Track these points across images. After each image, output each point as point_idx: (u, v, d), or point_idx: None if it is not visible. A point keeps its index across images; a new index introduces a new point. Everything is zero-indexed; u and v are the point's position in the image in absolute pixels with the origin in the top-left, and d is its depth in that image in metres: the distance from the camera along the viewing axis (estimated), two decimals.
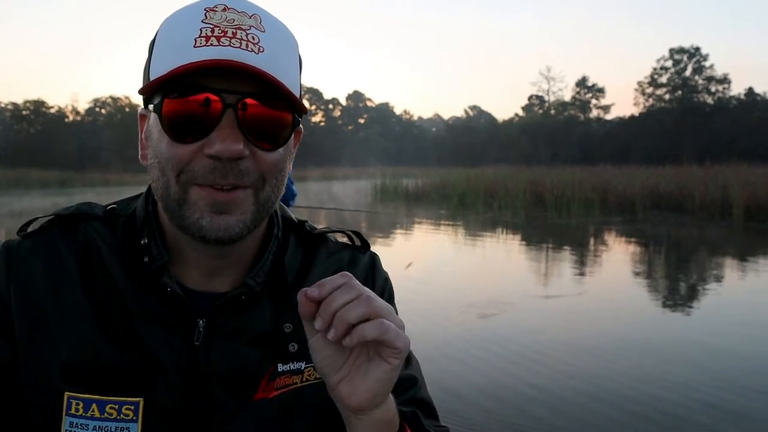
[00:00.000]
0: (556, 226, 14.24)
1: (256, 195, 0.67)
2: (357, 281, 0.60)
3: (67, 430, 0.69)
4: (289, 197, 4.00)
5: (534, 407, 3.59)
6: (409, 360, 0.83)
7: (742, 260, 9.67)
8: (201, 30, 0.63)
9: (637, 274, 8.68)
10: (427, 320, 5.56)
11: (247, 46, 0.63)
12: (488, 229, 13.84)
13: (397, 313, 0.80)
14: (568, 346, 4.94)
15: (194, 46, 0.62)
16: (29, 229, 0.75)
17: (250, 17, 0.65)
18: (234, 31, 0.63)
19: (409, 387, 0.80)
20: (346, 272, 0.60)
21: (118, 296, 0.71)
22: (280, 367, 0.74)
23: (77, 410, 0.68)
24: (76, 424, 0.68)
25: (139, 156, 0.71)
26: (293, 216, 0.83)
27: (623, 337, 5.17)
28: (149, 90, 0.65)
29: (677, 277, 8.62)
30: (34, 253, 0.72)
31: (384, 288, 0.86)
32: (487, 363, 4.44)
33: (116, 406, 0.69)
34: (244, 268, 0.75)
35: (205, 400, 0.70)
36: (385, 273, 0.87)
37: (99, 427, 0.68)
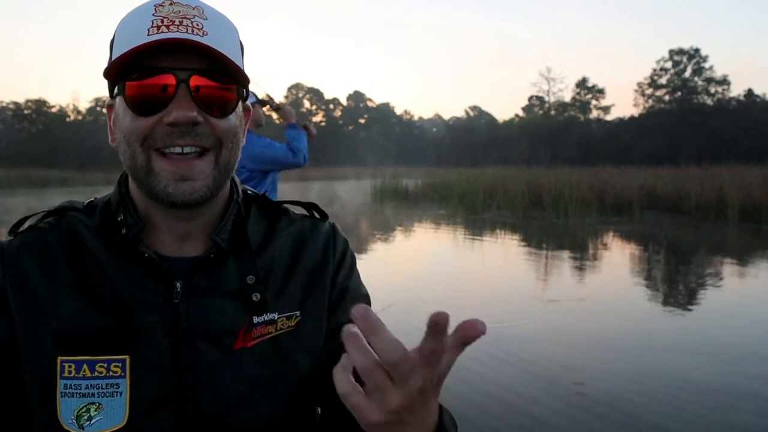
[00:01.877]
0: (553, 226, 14.38)
1: (216, 158, 0.76)
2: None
3: (62, 391, 0.75)
4: (301, 160, 3.92)
5: (533, 409, 3.70)
6: None
7: (734, 260, 9.80)
8: (152, 21, 0.73)
9: (632, 274, 8.80)
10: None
11: (192, 31, 0.73)
12: (486, 229, 13.96)
13: (358, 274, 0.94)
14: (568, 347, 5.05)
15: (147, 35, 0.72)
16: (20, 229, 0.84)
17: (193, 9, 0.76)
18: (180, 20, 0.73)
19: None
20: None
21: (101, 270, 0.79)
22: (255, 319, 0.81)
23: (70, 372, 0.75)
24: (70, 385, 0.75)
25: (109, 140, 0.81)
26: (254, 192, 0.93)
27: (625, 336, 5.28)
28: (112, 76, 0.76)
29: (670, 277, 8.75)
30: (25, 248, 0.81)
31: (345, 250, 0.93)
32: (487, 367, 4.55)
33: (105, 365, 0.76)
34: (211, 232, 0.83)
35: (188, 353, 0.77)
36: (345, 237, 0.95)
37: (91, 384, 0.75)
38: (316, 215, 0.95)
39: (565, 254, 10.55)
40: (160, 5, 0.75)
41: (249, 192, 0.91)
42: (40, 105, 61.48)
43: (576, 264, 9.35)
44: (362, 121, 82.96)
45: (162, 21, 0.73)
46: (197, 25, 0.74)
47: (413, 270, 8.63)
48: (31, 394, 0.77)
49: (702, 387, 3.95)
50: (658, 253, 10.81)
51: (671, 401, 3.70)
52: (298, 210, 0.95)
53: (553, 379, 4.11)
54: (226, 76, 0.75)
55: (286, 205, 0.93)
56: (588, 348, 4.85)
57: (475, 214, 16.73)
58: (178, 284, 0.79)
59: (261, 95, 3.94)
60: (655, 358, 4.58)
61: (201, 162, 0.75)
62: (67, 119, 63.23)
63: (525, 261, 9.76)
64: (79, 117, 64.41)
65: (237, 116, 0.79)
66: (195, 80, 0.73)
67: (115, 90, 0.76)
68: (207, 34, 0.74)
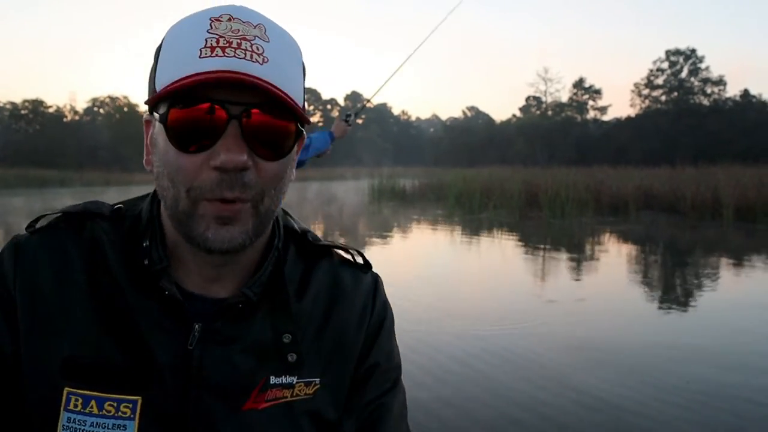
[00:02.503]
0: (550, 226, 14.47)
1: (256, 208, 0.68)
2: None
3: (64, 425, 0.69)
4: (322, 147, 3.89)
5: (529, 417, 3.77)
6: (395, 392, 0.84)
7: (728, 259, 9.90)
8: (206, 40, 0.64)
9: (627, 274, 8.88)
10: (415, 325, 5.74)
11: (251, 56, 0.64)
12: (482, 229, 14.05)
13: (394, 338, 0.86)
14: (564, 348, 5.12)
15: (199, 57, 0.63)
16: (38, 226, 0.77)
17: (255, 27, 0.66)
18: (239, 41, 0.64)
19: (390, 418, 0.81)
20: None
21: (120, 295, 0.72)
22: (273, 380, 0.74)
23: (76, 405, 0.69)
24: (74, 419, 0.69)
25: (144, 161, 0.73)
26: (296, 225, 0.84)
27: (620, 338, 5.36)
28: (155, 100, 0.67)
29: (664, 277, 8.83)
30: (42, 250, 0.74)
31: (383, 314, 0.85)
32: (479, 372, 4.62)
33: (114, 404, 0.70)
34: (244, 276, 0.76)
35: (196, 405, 0.71)
36: (385, 298, 0.86)
37: (96, 423, 0.69)
38: (359, 261, 0.86)
39: (560, 254, 10.64)
40: (217, 19, 0.66)
41: (290, 227, 0.83)
42: (37, 105, 61.36)
43: (571, 264, 9.44)
44: (360, 121, 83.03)
45: (217, 41, 0.64)
46: (257, 49, 0.65)
47: (410, 270, 8.70)
48: (31, 416, 0.71)
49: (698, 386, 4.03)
50: (653, 253, 10.90)
51: (664, 404, 3.77)
52: (341, 252, 0.86)
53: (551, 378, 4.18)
54: (283, 111, 0.66)
55: (328, 248, 0.84)
56: (582, 350, 4.92)
57: (472, 214, 16.82)
58: (196, 327, 0.72)
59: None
60: (654, 357, 4.65)
61: (242, 206, 0.67)
62: (65, 119, 63.13)
63: (520, 261, 9.84)
64: (77, 117, 64.32)
65: (292, 157, 0.71)
66: (249, 117, 0.64)
67: (156, 113, 0.67)
68: (267, 61, 0.64)
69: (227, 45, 0.64)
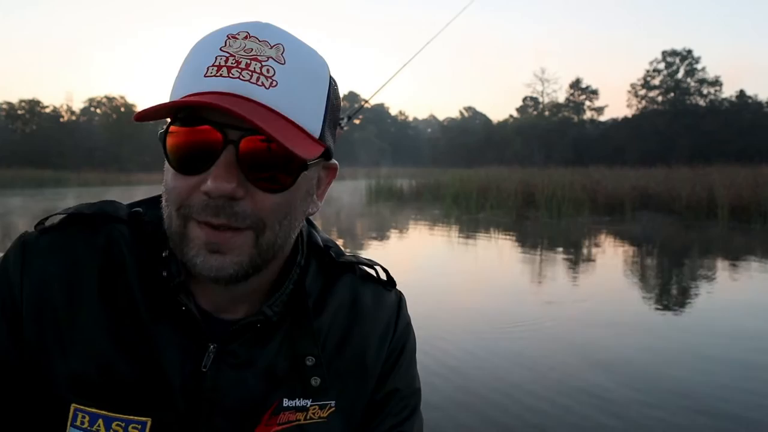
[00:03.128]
0: (546, 225, 14.54)
1: (257, 239, 0.64)
2: None
3: None
4: None
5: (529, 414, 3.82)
6: (414, 419, 0.81)
7: (722, 259, 9.96)
8: (216, 58, 0.61)
9: (621, 273, 8.93)
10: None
11: (257, 79, 0.60)
12: (478, 229, 14.10)
13: (414, 362, 0.83)
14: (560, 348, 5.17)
15: (204, 75, 0.61)
16: (47, 224, 0.72)
17: (272, 47, 0.62)
18: (248, 61, 0.61)
19: None
20: None
21: (134, 307, 0.68)
22: (286, 402, 0.71)
23: (83, 423, 0.66)
24: None
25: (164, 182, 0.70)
26: (320, 238, 0.80)
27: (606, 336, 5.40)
28: (153, 117, 0.63)
29: (658, 278, 8.88)
30: (51, 252, 0.69)
31: (404, 337, 0.81)
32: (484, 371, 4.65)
33: (123, 424, 0.66)
34: (262, 295, 0.72)
35: (206, 428, 0.68)
36: (409, 319, 0.83)
37: None
38: (383, 277, 0.82)
39: (555, 253, 10.69)
40: (233, 36, 0.62)
41: (314, 241, 0.79)
42: (33, 105, 61.20)
43: (565, 265, 9.49)
44: (357, 121, 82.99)
45: (226, 60, 0.61)
46: (267, 71, 0.61)
47: (408, 271, 8.75)
48: (36, 427, 0.68)
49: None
50: (648, 253, 10.96)
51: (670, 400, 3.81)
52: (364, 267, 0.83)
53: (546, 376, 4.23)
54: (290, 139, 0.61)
55: (351, 263, 0.80)
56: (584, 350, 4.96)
57: (469, 214, 16.87)
58: (211, 347, 0.69)
59: None
60: (653, 358, 4.70)
61: (237, 237, 0.63)
62: (61, 119, 62.97)
63: (515, 260, 9.89)
64: (73, 117, 64.16)
65: (300, 188, 0.66)
66: (246, 143, 0.60)
67: (162, 130, 0.65)
68: (276, 85, 0.61)
69: (235, 65, 0.60)
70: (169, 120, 0.63)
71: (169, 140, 0.62)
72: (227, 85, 0.60)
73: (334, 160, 0.72)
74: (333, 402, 0.73)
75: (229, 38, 0.62)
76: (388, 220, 16.02)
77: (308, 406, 0.72)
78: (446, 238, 12.92)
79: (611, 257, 10.22)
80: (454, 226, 14.82)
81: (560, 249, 11.22)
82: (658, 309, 6.42)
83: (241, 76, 0.60)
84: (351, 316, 0.76)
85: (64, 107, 64.63)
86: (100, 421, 0.66)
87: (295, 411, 0.71)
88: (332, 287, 0.77)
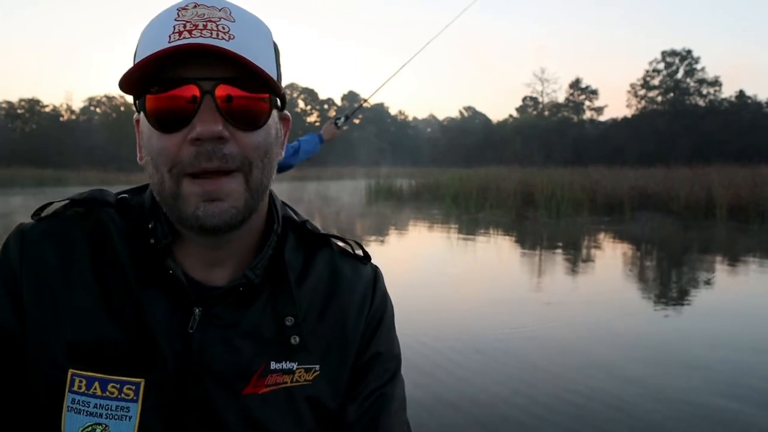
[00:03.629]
0: (545, 225, 14.58)
1: (247, 180, 0.70)
2: None
3: (69, 406, 0.71)
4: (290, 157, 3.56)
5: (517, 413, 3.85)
6: (395, 382, 0.85)
7: (718, 259, 10.00)
8: (174, 26, 0.67)
9: (618, 273, 8.98)
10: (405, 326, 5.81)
11: (217, 35, 0.67)
12: (477, 228, 14.14)
13: (394, 330, 0.87)
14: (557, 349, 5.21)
15: (168, 42, 0.66)
16: (43, 214, 0.78)
17: (220, 10, 0.69)
18: (204, 23, 0.67)
19: (390, 408, 0.83)
20: None
21: (124, 279, 0.73)
22: (273, 365, 0.75)
23: (80, 387, 0.71)
24: (78, 401, 0.71)
25: (137, 158, 0.75)
26: (296, 215, 0.85)
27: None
28: (135, 90, 0.69)
29: (655, 278, 8.93)
30: (47, 237, 0.75)
31: (382, 305, 0.86)
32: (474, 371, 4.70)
33: (117, 385, 0.71)
34: (243, 262, 0.77)
35: (195, 389, 0.72)
36: (385, 289, 0.88)
37: (99, 404, 0.71)
38: (359, 253, 0.87)
39: (553, 253, 10.73)
40: (183, 9, 0.69)
41: (288, 216, 0.84)
42: (33, 104, 61.23)
43: (563, 263, 9.53)
44: (357, 121, 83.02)
45: (184, 26, 0.67)
46: (223, 28, 0.68)
47: (405, 271, 8.78)
48: (36, 398, 0.72)
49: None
50: (645, 252, 11.01)
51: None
52: (341, 243, 0.88)
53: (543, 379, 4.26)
54: (256, 84, 0.69)
55: (327, 237, 0.86)
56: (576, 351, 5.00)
57: (468, 214, 16.91)
58: (197, 311, 0.73)
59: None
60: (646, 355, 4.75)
61: (229, 181, 0.69)
62: (61, 119, 62.99)
63: (513, 260, 9.93)
64: (73, 117, 64.18)
65: (270, 129, 0.72)
66: (221, 90, 0.67)
67: (137, 104, 0.70)
68: (233, 38, 0.67)
69: (194, 28, 0.67)
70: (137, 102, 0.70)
71: (149, 105, 0.68)
72: (187, 43, 0.65)
73: (287, 111, 0.77)
74: (318, 366, 0.77)
75: (179, 10, 0.69)
76: (387, 220, 16.06)
77: (294, 369, 0.76)
78: (444, 237, 12.96)
79: (608, 257, 10.26)
80: (453, 225, 14.87)
81: (558, 249, 11.26)
82: (656, 309, 6.46)
83: (202, 35, 0.66)
84: (330, 287, 0.81)
85: (64, 106, 64.71)
86: (96, 383, 0.71)
87: (282, 373, 0.75)
88: (312, 260, 0.81)
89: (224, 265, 0.76)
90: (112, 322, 0.72)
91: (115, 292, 0.73)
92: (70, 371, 0.71)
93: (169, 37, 0.66)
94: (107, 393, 0.71)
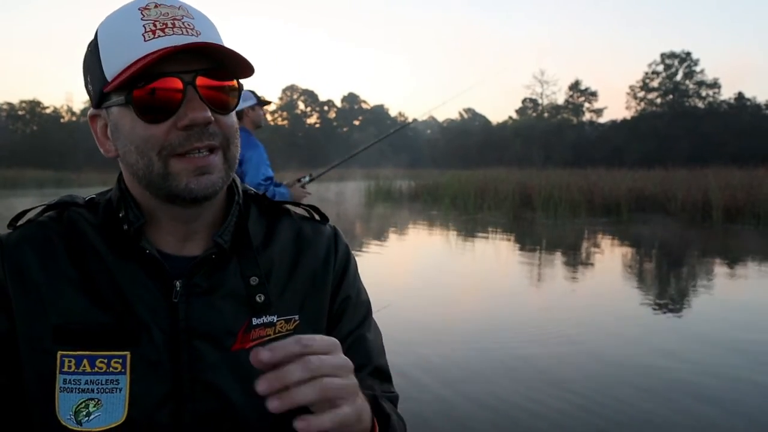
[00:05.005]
0: (542, 226, 14.67)
1: (225, 154, 0.78)
2: (312, 344, 0.61)
3: (61, 386, 0.75)
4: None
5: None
6: (368, 326, 0.93)
7: (712, 260, 10.09)
8: (144, 26, 0.73)
9: (611, 274, 9.06)
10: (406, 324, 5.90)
11: (188, 32, 0.74)
12: (475, 229, 14.22)
13: (360, 279, 0.95)
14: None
15: (144, 41, 0.72)
16: (19, 222, 0.85)
17: (178, 8, 0.76)
18: (172, 22, 0.74)
19: (367, 347, 0.90)
20: (301, 338, 0.61)
21: (102, 265, 0.79)
22: (255, 321, 0.81)
23: (69, 367, 0.76)
24: (69, 380, 0.75)
25: (103, 152, 0.82)
26: (253, 190, 0.93)
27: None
28: (113, 87, 0.74)
29: (651, 279, 9.01)
30: (25, 241, 0.81)
31: (347, 256, 0.94)
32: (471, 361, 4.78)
33: (105, 360, 0.76)
34: (212, 232, 0.83)
35: (187, 352, 0.78)
36: (346, 242, 0.96)
37: (90, 380, 0.75)
38: (317, 217, 0.95)
39: (549, 253, 10.83)
40: (145, 8, 0.75)
41: (248, 191, 0.92)
42: (34, 106, 61.39)
43: (556, 263, 9.62)
44: (357, 122, 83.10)
45: (154, 24, 0.73)
46: (188, 25, 0.75)
47: (404, 271, 8.88)
48: (30, 389, 0.77)
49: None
50: (640, 253, 11.09)
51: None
52: (299, 211, 0.96)
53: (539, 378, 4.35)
54: (224, 73, 0.77)
55: (286, 206, 0.94)
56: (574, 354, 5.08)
57: (467, 215, 17.01)
58: (177, 283, 0.79)
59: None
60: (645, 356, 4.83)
61: (214, 157, 0.77)
62: (62, 120, 63.11)
63: (506, 259, 10.02)
64: (74, 118, 64.28)
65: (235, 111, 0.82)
66: (200, 81, 0.74)
67: (112, 99, 0.76)
68: (200, 34, 0.75)
69: (164, 26, 0.73)
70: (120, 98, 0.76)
71: (137, 100, 0.73)
72: (170, 42, 0.72)
73: (249, 104, 0.92)
74: (297, 316, 0.84)
75: (142, 9, 0.75)
76: (386, 222, 16.16)
77: (275, 321, 0.82)
78: (442, 237, 13.06)
79: (603, 258, 10.36)
80: (450, 226, 14.97)
81: (553, 249, 11.34)
82: (654, 309, 6.55)
83: (175, 33, 0.73)
84: (296, 247, 0.89)
85: (65, 108, 64.82)
86: (85, 361, 0.76)
87: (265, 327, 0.81)
88: (275, 226, 0.89)
89: (196, 237, 0.83)
90: (95, 304, 0.77)
91: (95, 277, 0.79)
92: (59, 353, 0.76)
93: (143, 36, 0.72)
94: (96, 368, 0.75)
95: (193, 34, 0.74)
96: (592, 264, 9.61)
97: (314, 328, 0.85)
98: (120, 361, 0.76)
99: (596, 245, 12.01)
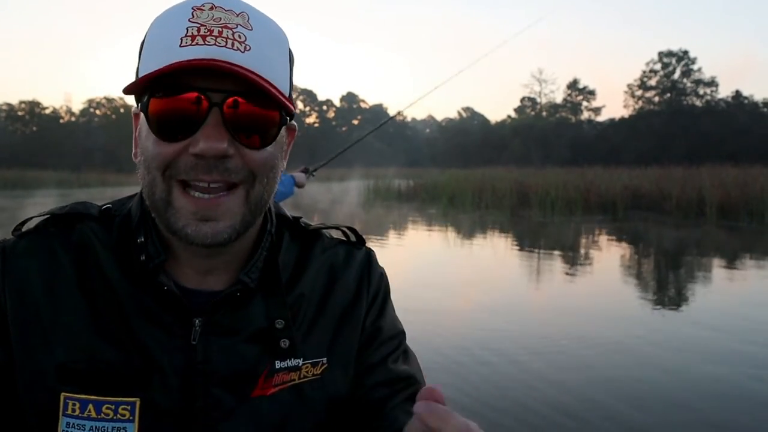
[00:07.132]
0: (538, 224, 14.81)
1: (248, 194, 0.67)
2: None
3: (63, 430, 0.69)
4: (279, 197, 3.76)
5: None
6: (407, 356, 0.85)
7: (706, 257, 10.21)
8: (187, 29, 0.63)
9: (605, 270, 9.18)
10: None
11: (232, 44, 0.63)
12: (473, 227, 14.37)
13: (393, 308, 0.87)
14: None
15: (180, 46, 0.63)
16: (24, 229, 0.75)
17: (237, 15, 0.66)
18: (220, 29, 0.64)
19: (408, 385, 0.80)
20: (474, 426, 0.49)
21: (113, 295, 0.71)
22: (278, 364, 0.73)
23: (74, 410, 0.68)
24: (73, 424, 0.68)
25: (132, 154, 0.72)
26: (287, 212, 0.84)
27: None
28: (136, 90, 0.66)
29: (647, 276, 9.12)
30: (30, 254, 0.72)
31: (380, 285, 0.85)
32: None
33: (112, 406, 0.68)
34: (238, 266, 0.75)
35: (203, 399, 0.70)
36: (381, 269, 0.88)
37: (95, 427, 0.68)
38: (353, 238, 0.87)
39: (545, 250, 10.95)
40: (199, 8, 0.65)
41: (282, 213, 0.83)
42: (33, 106, 61.40)
43: (551, 259, 9.75)
44: (356, 122, 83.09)
45: (198, 30, 0.64)
46: (239, 37, 0.64)
47: (404, 270, 9.02)
48: (30, 424, 0.71)
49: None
50: (634, 250, 11.23)
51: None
52: (335, 234, 0.88)
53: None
54: (267, 99, 0.65)
55: (320, 231, 0.85)
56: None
57: (464, 213, 17.14)
58: (197, 321, 0.71)
59: None
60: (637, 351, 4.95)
61: (228, 199, 0.66)
62: (61, 120, 63.13)
63: (507, 257, 10.15)
64: (73, 118, 64.32)
65: (276, 146, 0.70)
66: (230, 104, 0.64)
67: (139, 104, 0.67)
68: (249, 49, 0.64)
69: (208, 33, 0.63)
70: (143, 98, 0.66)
71: (152, 108, 0.64)
72: (205, 52, 0.62)
73: (293, 122, 0.75)
74: (325, 359, 0.76)
75: (195, 10, 0.65)
76: (385, 220, 16.28)
77: (300, 365, 0.74)
78: (441, 236, 13.18)
79: (597, 255, 10.49)
80: (448, 224, 15.09)
81: (549, 246, 11.47)
82: (652, 308, 6.68)
83: (216, 43, 0.63)
84: (328, 277, 0.81)
85: (64, 108, 64.83)
86: (90, 406, 0.68)
87: (289, 371, 0.74)
88: (308, 254, 0.81)
89: (219, 271, 0.74)
90: (103, 341, 0.69)
91: (104, 310, 0.70)
92: (63, 395, 0.69)
93: (181, 40, 0.63)
94: (102, 415, 0.69)
95: (238, 48, 0.63)
96: (585, 259, 9.73)
97: (344, 371, 0.78)
98: (128, 407, 0.69)
99: (591, 242, 12.12)
